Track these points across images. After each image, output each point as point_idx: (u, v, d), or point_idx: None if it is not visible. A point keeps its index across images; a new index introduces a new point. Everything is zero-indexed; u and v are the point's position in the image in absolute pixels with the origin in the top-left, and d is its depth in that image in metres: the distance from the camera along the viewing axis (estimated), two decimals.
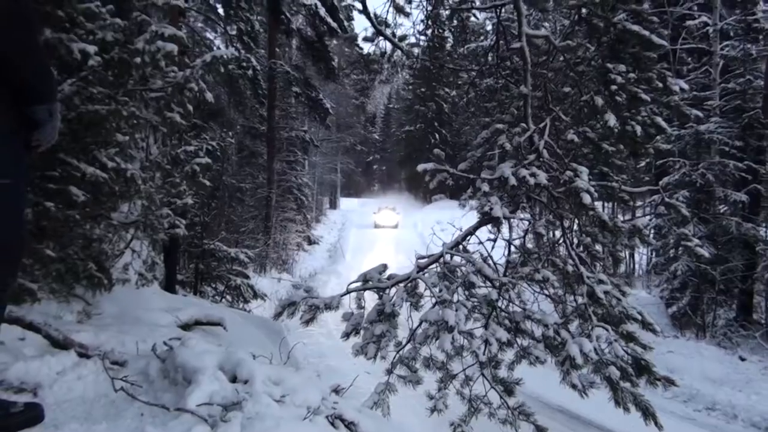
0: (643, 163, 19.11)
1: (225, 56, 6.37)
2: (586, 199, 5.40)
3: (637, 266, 22.38)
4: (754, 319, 14.84)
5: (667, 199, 6.40)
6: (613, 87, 5.85)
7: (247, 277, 12.25)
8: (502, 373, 5.49)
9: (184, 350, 3.69)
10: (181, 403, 3.07)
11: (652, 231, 15.89)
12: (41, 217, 4.54)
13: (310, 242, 33.01)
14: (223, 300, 11.66)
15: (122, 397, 3.31)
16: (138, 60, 5.09)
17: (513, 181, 5.40)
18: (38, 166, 4.55)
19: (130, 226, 5.81)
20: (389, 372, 5.34)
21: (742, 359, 12.41)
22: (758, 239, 14.79)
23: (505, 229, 5.82)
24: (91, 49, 4.71)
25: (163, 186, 6.39)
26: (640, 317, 5.59)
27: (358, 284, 5.62)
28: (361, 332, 5.46)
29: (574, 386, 5.07)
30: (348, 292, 5.51)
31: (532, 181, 5.44)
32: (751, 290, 15.17)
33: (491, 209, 5.37)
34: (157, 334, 4.43)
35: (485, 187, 5.62)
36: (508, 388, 5.41)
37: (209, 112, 14.85)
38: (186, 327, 5.80)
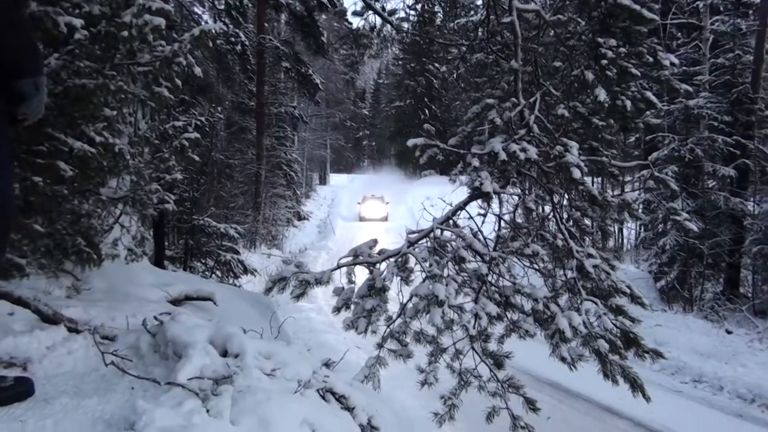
0: (632, 138, 19.18)
1: (213, 31, 6.29)
2: (576, 173, 5.39)
3: (626, 241, 22.52)
4: (740, 293, 15.00)
5: (656, 174, 6.42)
6: (604, 61, 5.83)
7: (237, 252, 12.25)
8: (492, 346, 5.52)
9: (174, 325, 3.69)
10: (172, 377, 3.07)
11: (641, 206, 15.96)
12: (29, 192, 4.51)
13: (300, 218, 33.03)
14: (213, 275, 11.66)
15: (113, 372, 3.31)
16: (125, 34, 5.02)
17: (503, 156, 5.40)
18: (25, 140, 4.51)
19: (118, 201, 5.77)
20: (380, 346, 5.37)
21: (729, 332, 12.56)
22: (746, 213, 14.91)
23: (495, 204, 5.83)
24: (78, 22, 4.64)
25: (151, 161, 6.35)
26: (628, 291, 5.63)
27: (349, 259, 5.62)
28: (352, 307, 5.47)
29: (563, 359, 5.12)
30: (338, 267, 5.51)
31: (522, 156, 5.43)
32: (738, 264, 15.31)
33: (481, 184, 5.36)
34: (147, 309, 4.43)
35: (475, 162, 5.61)
36: (497, 361, 5.45)
37: (198, 87, 14.74)
38: (176, 302, 5.80)
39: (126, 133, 6.09)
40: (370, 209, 38.16)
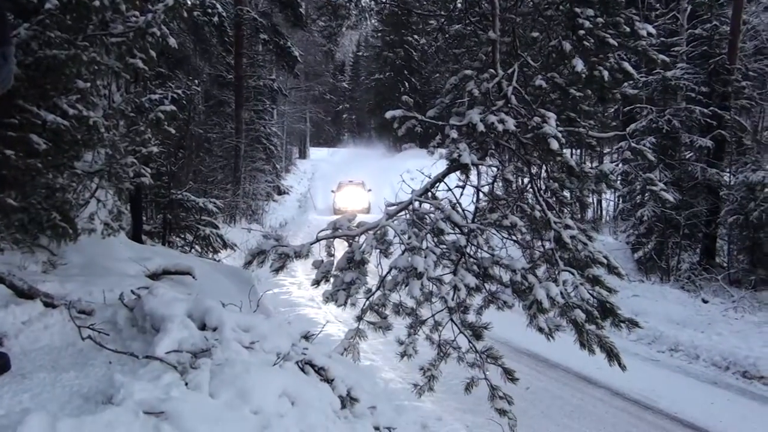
0: (611, 110, 19.23)
1: (188, 1, 6.20)
2: (554, 144, 5.40)
3: (604, 213, 22.69)
4: (716, 263, 15.18)
5: (633, 145, 6.46)
6: (581, 32, 5.82)
7: (216, 227, 12.18)
8: (471, 318, 5.57)
9: (152, 299, 3.68)
10: (150, 351, 3.07)
11: (619, 177, 16.05)
12: (1, 166, 4.44)
13: (280, 192, 32.87)
14: (192, 250, 11.59)
15: (90, 346, 3.30)
16: (97, 3, 4.92)
17: (481, 127, 5.40)
18: None
19: (94, 175, 5.70)
20: (359, 319, 5.39)
21: (705, 302, 12.74)
22: (722, 184, 15.05)
23: (473, 175, 5.83)
24: None
25: (127, 134, 6.27)
26: (605, 261, 5.68)
27: (328, 232, 5.61)
28: (331, 280, 5.48)
29: (540, 329, 5.17)
30: (318, 240, 5.51)
31: (500, 127, 5.44)
32: (715, 234, 15.49)
33: (459, 156, 5.36)
34: (124, 284, 4.41)
35: (454, 134, 5.60)
36: (476, 332, 5.50)
37: (174, 60, 14.54)
38: (154, 276, 5.77)
39: (100, 106, 6.00)
40: (347, 199, 30.51)
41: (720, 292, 13.42)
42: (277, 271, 5.34)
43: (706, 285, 13.95)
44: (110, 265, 5.54)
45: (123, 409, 2.48)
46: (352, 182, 32.15)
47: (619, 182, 16.22)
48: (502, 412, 5.23)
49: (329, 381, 3.48)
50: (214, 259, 11.43)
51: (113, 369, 3.02)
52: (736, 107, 16.05)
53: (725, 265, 15.05)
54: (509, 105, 5.82)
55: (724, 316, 11.62)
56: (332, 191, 31.82)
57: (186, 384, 2.82)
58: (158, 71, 10.88)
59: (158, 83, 11.01)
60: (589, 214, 21.15)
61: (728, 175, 15.34)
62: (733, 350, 9.61)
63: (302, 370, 3.46)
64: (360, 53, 67.99)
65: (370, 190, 31.22)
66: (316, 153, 56.66)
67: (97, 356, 3.20)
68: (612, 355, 5.13)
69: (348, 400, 3.47)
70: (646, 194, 15.11)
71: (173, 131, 7.44)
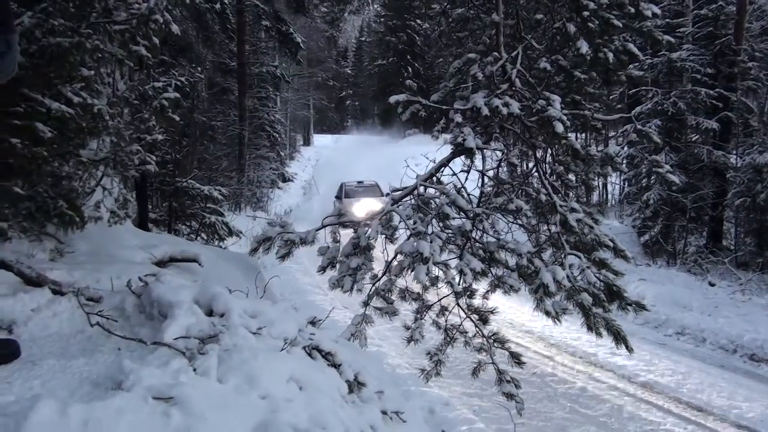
0: (616, 93, 19.13)
1: None
2: (559, 128, 5.38)
3: (610, 196, 22.63)
4: (723, 246, 15.16)
5: (639, 127, 6.42)
6: (585, 13, 5.79)
7: (221, 214, 12.19)
8: (477, 302, 5.57)
9: (159, 285, 3.69)
10: (158, 337, 3.08)
11: (625, 161, 16.00)
12: (7, 155, 4.45)
13: (285, 179, 32.85)
14: (198, 238, 11.61)
15: (98, 333, 3.31)
16: None
17: (486, 111, 5.38)
18: (0, 101, 4.43)
19: (99, 163, 5.71)
20: (365, 304, 5.40)
21: (712, 285, 12.72)
22: (728, 166, 14.99)
23: (478, 160, 5.81)
24: None
25: (131, 122, 6.27)
26: (612, 244, 5.68)
27: (333, 218, 5.62)
28: (337, 266, 5.49)
29: (547, 313, 5.17)
30: (323, 226, 5.52)
31: (504, 110, 5.41)
32: (721, 217, 15.45)
33: (464, 140, 5.35)
34: (131, 271, 4.41)
35: (458, 118, 5.59)
36: (483, 316, 5.51)
37: (177, 47, 14.49)
38: (161, 264, 5.79)
39: (104, 94, 6.01)
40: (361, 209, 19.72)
41: (727, 275, 13.39)
42: (283, 257, 5.35)
43: (713, 268, 13.92)
44: (117, 252, 5.55)
45: (132, 394, 2.49)
46: (362, 184, 23.65)
47: (624, 165, 16.18)
48: (509, 396, 5.25)
49: (336, 366, 3.49)
50: (220, 247, 11.45)
51: (122, 355, 3.03)
52: (742, 88, 15.96)
53: (732, 247, 15.02)
54: (513, 88, 5.80)
55: (731, 299, 11.60)
56: (337, 199, 23.01)
57: (194, 369, 2.83)
58: (161, 59, 10.83)
59: (162, 71, 10.99)
60: (595, 197, 21.11)
61: (735, 157, 15.28)
62: (741, 333, 9.60)
63: (309, 355, 3.47)
64: (363, 39, 67.76)
65: (387, 194, 23.42)
66: (320, 140, 56.51)
67: (105, 343, 3.21)
68: (619, 338, 5.13)
69: (355, 385, 3.47)
70: (652, 177, 15.05)
71: (177, 119, 7.43)
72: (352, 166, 31.09)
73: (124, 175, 6.01)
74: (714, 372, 8.50)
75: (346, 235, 5.61)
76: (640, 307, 5.37)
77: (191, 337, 3.11)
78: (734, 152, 15.39)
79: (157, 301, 3.52)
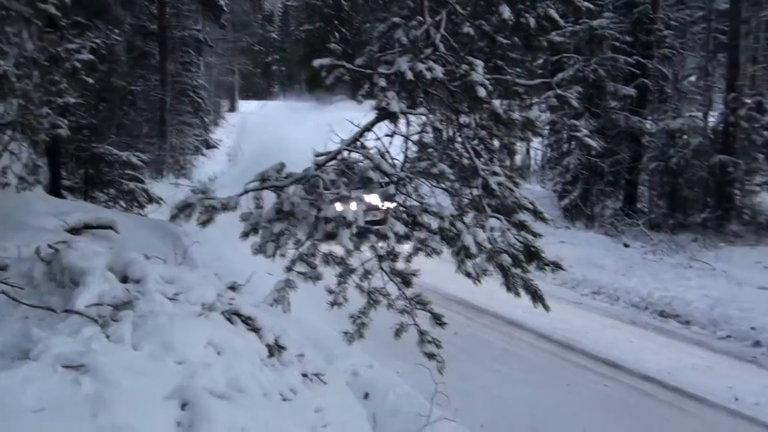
0: (540, 60, 19.39)
1: None
2: (481, 92, 5.42)
3: (533, 162, 23.07)
4: (638, 208, 15.73)
5: (558, 92, 6.53)
6: None
7: (141, 181, 11.86)
8: (400, 265, 5.60)
9: (71, 252, 3.56)
10: (69, 305, 2.99)
11: (548, 127, 16.33)
12: None
13: (209, 146, 32.17)
14: (117, 205, 11.28)
15: (4, 301, 3.18)
16: None
17: (410, 75, 5.36)
18: None
19: (6, 127, 5.45)
20: (288, 269, 5.36)
21: (626, 246, 13.20)
22: (644, 132, 15.49)
23: (402, 124, 5.80)
24: None
25: (41, 84, 5.99)
26: (531, 207, 5.79)
27: (256, 184, 5.53)
28: (260, 232, 5.42)
29: (468, 275, 5.24)
30: (246, 191, 5.42)
31: (428, 75, 5.41)
32: (636, 181, 16.01)
33: (388, 105, 5.32)
34: (42, 238, 4.25)
35: (382, 83, 5.55)
36: (405, 279, 5.54)
37: (93, 9, 13.89)
38: (74, 231, 5.59)
39: (11, 54, 5.70)
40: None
41: (641, 236, 13.91)
42: (204, 224, 5.24)
43: (628, 230, 14.43)
44: (26, 219, 5.33)
45: (40, 363, 2.41)
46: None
47: (547, 131, 16.52)
48: (430, 356, 5.32)
49: (256, 330, 3.46)
50: (140, 214, 11.16)
51: (30, 324, 2.92)
52: (658, 56, 16.42)
53: (646, 210, 15.59)
54: (437, 53, 5.79)
55: (644, 259, 12.08)
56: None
57: (107, 337, 2.76)
58: (76, 20, 10.37)
59: (77, 33, 10.53)
60: (519, 162, 21.49)
61: (650, 122, 15.77)
62: (651, 291, 10.05)
63: (229, 320, 3.43)
64: (289, 3, 66.48)
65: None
66: (246, 106, 55.36)
67: (12, 312, 3.09)
68: (536, 297, 5.26)
69: (276, 349, 3.46)
70: (573, 143, 15.42)
71: (92, 82, 7.16)
72: (279, 133, 30.79)
73: (33, 140, 5.76)
74: (626, 329, 8.90)
75: (269, 200, 5.54)
76: (557, 266, 5.50)
77: (104, 304, 3.03)
78: (650, 118, 15.89)
79: (68, 268, 3.40)
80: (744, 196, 14.63)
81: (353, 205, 5.16)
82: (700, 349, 8.25)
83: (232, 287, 3.99)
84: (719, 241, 13.12)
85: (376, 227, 5.56)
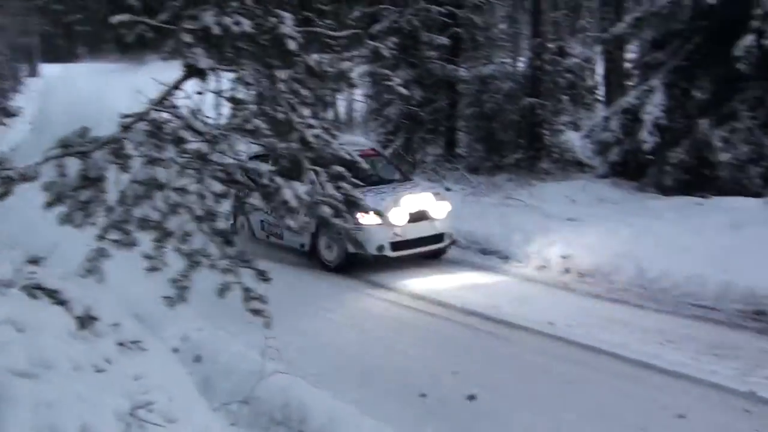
0: (358, 13, 19.46)
1: None
2: (291, 45, 5.43)
3: (356, 114, 23.34)
4: (457, 153, 16.48)
5: (370, 42, 6.65)
6: None
7: None
8: (221, 225, 5.53)
9: None
10: None
11: (368, 78, 16.55)
12: None
13: (8, 114, 29.70)
14: None
15: None
16: None
17: (217, 30, 5.25)
18: None
19: None
20: (101, 238, 5.12)
21: (448, 189, 13.77)
22: (459, 79, 16.13)
23: (213, 81, 5.67)
24: None
25: None
26: (349, 157, 5.91)
27: (57, 151, 5.20)
28: (66, 201, 5.12)
29: (290, 228, 5.28)
30: (47, 159, 5.09)
31: (236, 29, 5.33)
32: (455, 127, 16.73)
33: (196, 61, 5.20)
34: None
35: (188, 39, 5.38)
36: (227, 239, 5.48)
37: None
38: None
39: None
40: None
41: (461, 179, 14.58)
42: (1, 197, 4.88)
43: (449, 174, 15.05)
44: None
45: None
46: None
47: (368, 83, 16.79)
48: (256, 312, 5.31)
49: (63, 303, 3.31)
50: None
51: None
52: (469, 6, 16.98)
53: (465, 154, 16.35)
54: (245, 6, 5.68)
55: (464, 201, 12.64)
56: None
57: None
58: None
59: None
60: (342, 114, 21.66)
61: (464, 70, 16.43)
62: (472, 230, 10.60)
63: (32, 295, 3.25)
64: None
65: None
66: (49, 70, 51.34)
67: None
68: (358, 245, 5.42)
69: (87, 320, 3.33)
70: (393, 94, 15.77)
71: None
72: (87, 97, 28.89)
73: None
74: (451, 269, 9.36)
75: (75, 167, 5.23)
76: (378, 213, 5.69)
77: None
78: (464, 66, 16.54)
79: None
80: (552, 136, 15.72)
81: None
82: (517, 281, 8.89)
83: (34, 261, 3.77)
84: (532, 179, 14.05)
85: None
